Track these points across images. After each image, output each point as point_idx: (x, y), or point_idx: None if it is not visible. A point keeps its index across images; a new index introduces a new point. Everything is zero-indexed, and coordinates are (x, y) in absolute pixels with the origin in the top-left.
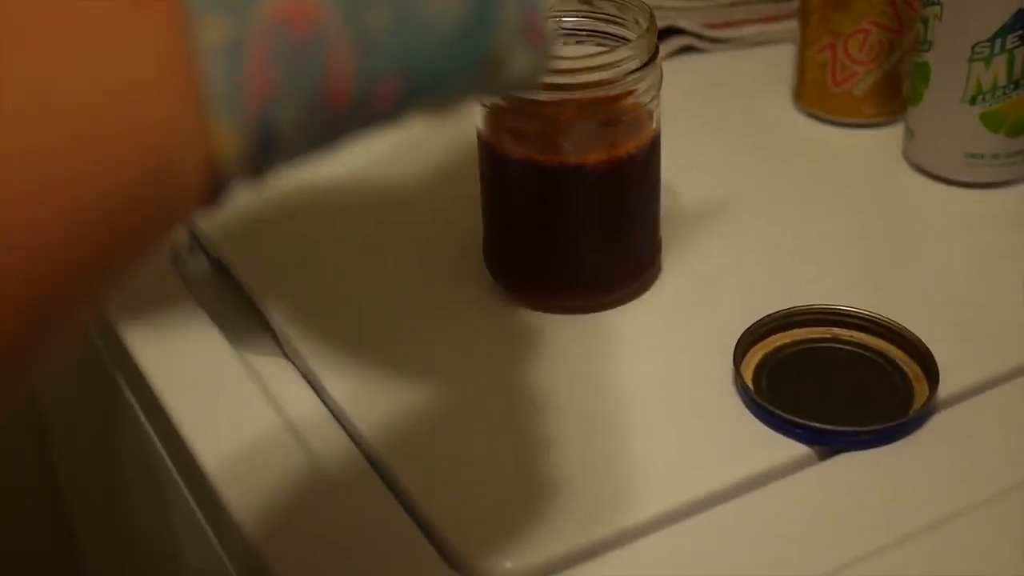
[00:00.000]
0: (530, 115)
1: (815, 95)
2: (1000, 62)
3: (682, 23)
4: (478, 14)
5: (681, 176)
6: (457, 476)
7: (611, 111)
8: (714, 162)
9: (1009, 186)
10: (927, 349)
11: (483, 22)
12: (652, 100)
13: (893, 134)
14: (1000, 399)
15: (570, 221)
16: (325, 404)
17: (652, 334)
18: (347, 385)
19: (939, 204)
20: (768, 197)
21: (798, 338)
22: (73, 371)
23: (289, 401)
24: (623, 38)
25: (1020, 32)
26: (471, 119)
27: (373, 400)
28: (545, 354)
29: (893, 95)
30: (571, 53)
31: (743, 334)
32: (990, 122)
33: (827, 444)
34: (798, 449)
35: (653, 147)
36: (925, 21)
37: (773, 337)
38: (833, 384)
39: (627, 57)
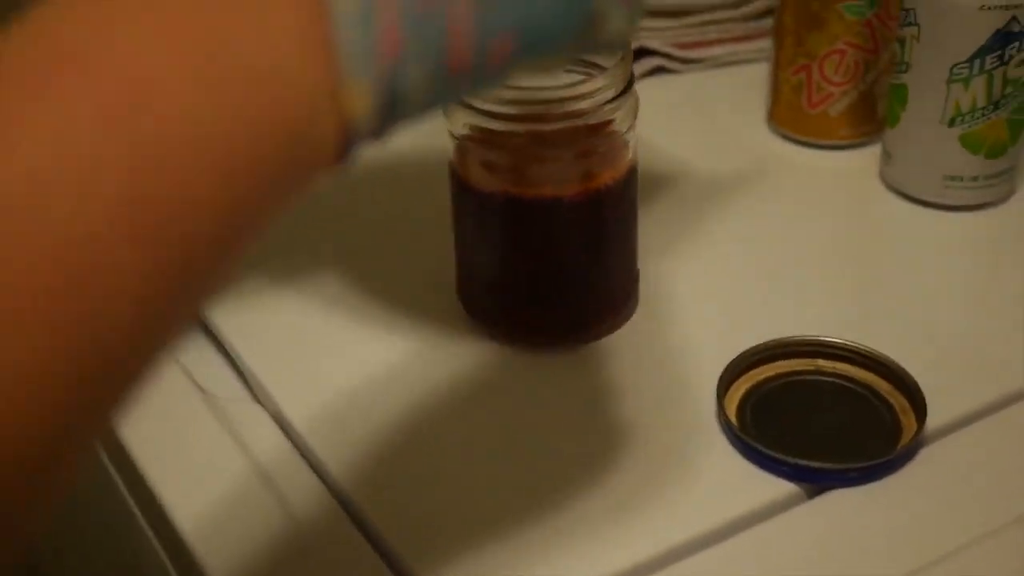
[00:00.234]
0: (503, 147)
1: (790, 117)
2: (979, 83)
3: (652, 43)
4: None
5: (656, 203)
6: (431, 518)
7: (587, 142)
8: (689, 188)
9: (988, 208)
10: (913, 380)
11: None
12: (628, 129)
13: (869, 156)
14: (989, 430)
15: (546, 255)
16: (295, 446)
17: (631, 370)
18: (317, 426)
19: (918, 228)
20: (745, 224)
21: (782, 371)
22: None
23: (258, 444)
24: (598, 65)
25: (999, 53)
26: (442, 148)
27: (344, 441)
28: (521, 392)
29: (869, 116)
30: (545, 83)
31: (725, 369)
32: (969, 144)
33: (816, 482)
34: (786, 487)
35: (630, 177)
36: (902, 42)
37: (756, 370)
38: (819, 418)
39: (603, 86)
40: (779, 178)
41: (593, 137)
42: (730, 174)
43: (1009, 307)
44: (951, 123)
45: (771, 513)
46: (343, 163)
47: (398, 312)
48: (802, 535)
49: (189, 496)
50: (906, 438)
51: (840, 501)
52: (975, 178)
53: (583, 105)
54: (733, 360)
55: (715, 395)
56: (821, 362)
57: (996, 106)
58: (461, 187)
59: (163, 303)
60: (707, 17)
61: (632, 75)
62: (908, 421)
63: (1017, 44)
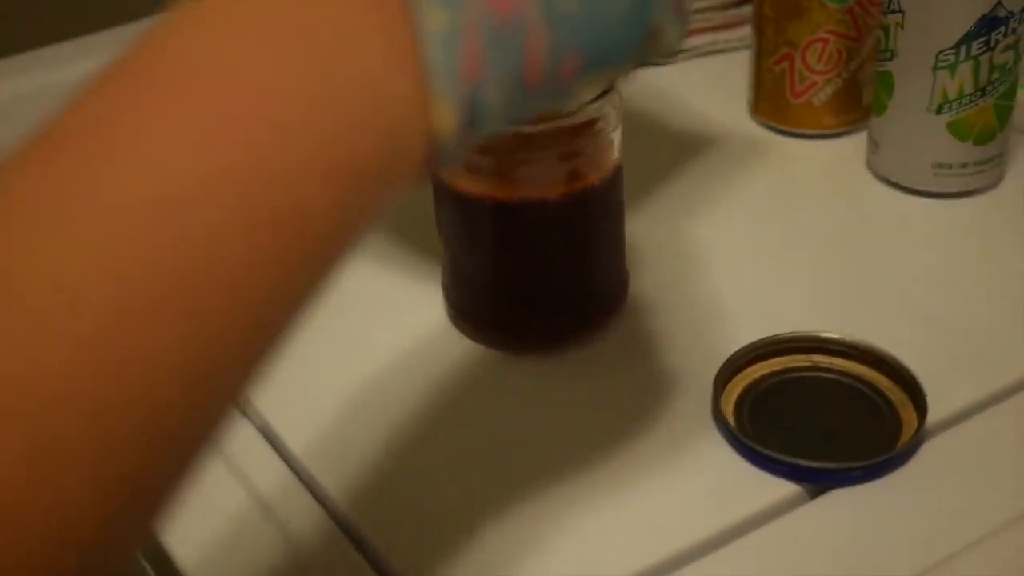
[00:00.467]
0: (487, 149)
1: (773, 107)
2: (965, 69)
3: None
4: None
5: (640, 200)
6: (428, 531)
7: (572, 142)
8: (673, 183)
9: (977, 195)
10: (911, 374)
11: (648, 0)
12: (614, 128)
13: (855, 143)
14: (991, 422)
15: (533, 258)
16: (288, 465)
17: (624, 372)
18: (308, 443)
19: (908, 216)
20: (733, 218)
21: (777, 368)
22: None
23: (252, 464)
24: None
25: (985, 38)
26: None
27: (338, 459)
28: (512, 398)
29: (854, 104)
30: None
31: (720, 368)
32: (957, 131)
33: (817, 482)
34: (787, 488)
35: (616, 177)
36: (886, 29)
37: (751, 368)
38: (818, 415)
39: None
40: (765, 170)
41: (578, 137)
42: (715, 168)
43: (1005, 294)
44: (938, 110)
45: (773, 515)
46: (427, 173)
47: (385, 320)
48: (805, 537)
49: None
50: (907, 433)
51: (843, 500)
52: (964, 165)
53: (567, 105)
54: (728, 359)
55: (711, 395)
56: (817, 358)
57: (983, 92)
58: (444, 192)
59: (267, 311)
60: None
61: None
62: (908, 416)
63: (1003, 29)
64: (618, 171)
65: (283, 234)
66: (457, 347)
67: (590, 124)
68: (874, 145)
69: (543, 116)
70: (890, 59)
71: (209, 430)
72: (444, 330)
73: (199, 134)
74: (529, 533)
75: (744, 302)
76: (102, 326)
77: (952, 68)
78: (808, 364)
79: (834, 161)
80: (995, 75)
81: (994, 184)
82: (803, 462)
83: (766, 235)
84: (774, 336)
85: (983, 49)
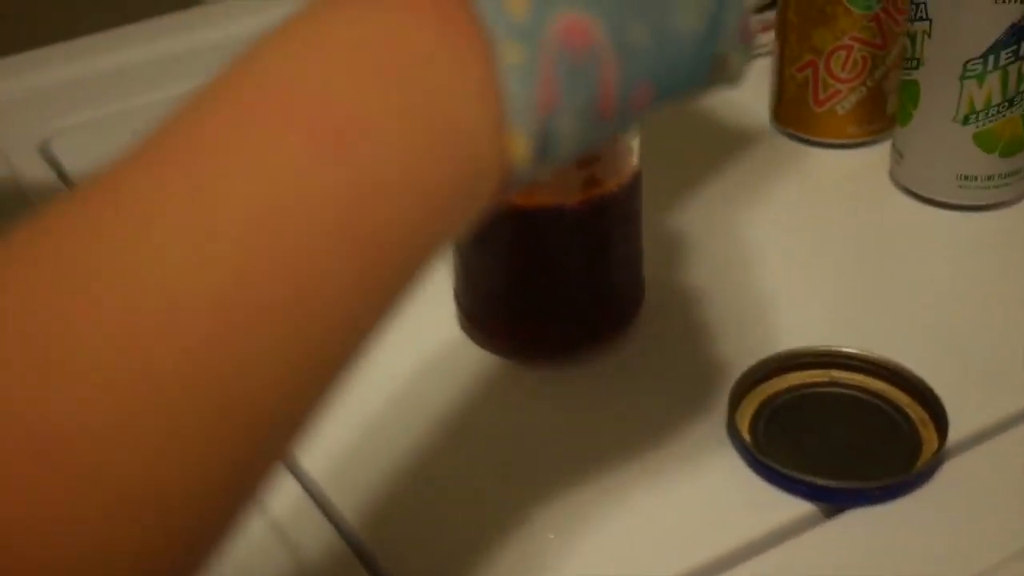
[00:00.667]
0: None
1: (796, 115)
2: (993, 79)
3: None
4: (712, 23)
5: (659, 208)
6: (440, 548)
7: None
8: (692, 192)
9: (1004, 208)
10: (932, 392)
11: (715, 30)
12: (632, 135)
13: (879, 154)
14: (1014, 442)
15: (549, 266)
16: (301, 484)
17: (638, 384)
18: (322, 463)
19: (932, 229)
20: (752, 228)
21: (795, 383)
22: None
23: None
24: None
25: (1014, 48)
26: None
27: (351, 478)
28: (524, 409)
29: (878, 113)
30: None
31: (736, 382)
32: (984, 142)
33: (834, 502)
34: (802, 507)
35: (634, 184)
36: (912, 37)
37: (768, 383)
38: (835, 432)
39: None
40: (786, 179)
41: None
42: (735, 176)
43: None
44: (965, 121)
45: (787, 534)
46: (501, 199)
47: (395, 328)
48: (820, 558)
49: None
50: (927, 452)
51: (860, 521)
52: (990, 177)
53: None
54: (744, 373)
55: (726, 410)
56: (836, 373)
57: (1011, 103)
58: None
59: (361, 328)
60: None
61: None
62: (928, 434)
63: None
64: (636, 178)
65: (375, 251)
66: (469, 356)
67: None
68: (898, 155)
69: None
70: (916, 68)
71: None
72: (455, 339)
73: (301, 151)
74: (541, 547)
75: (762, 314)
76: (205, 331)
77: (980, 78)
78: (826, 380)
79: (857, 171)
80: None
81: (1020, 197)
82: (819, 481)
83: (785, 246)
84: (791, 350)
85: (1012, 59)
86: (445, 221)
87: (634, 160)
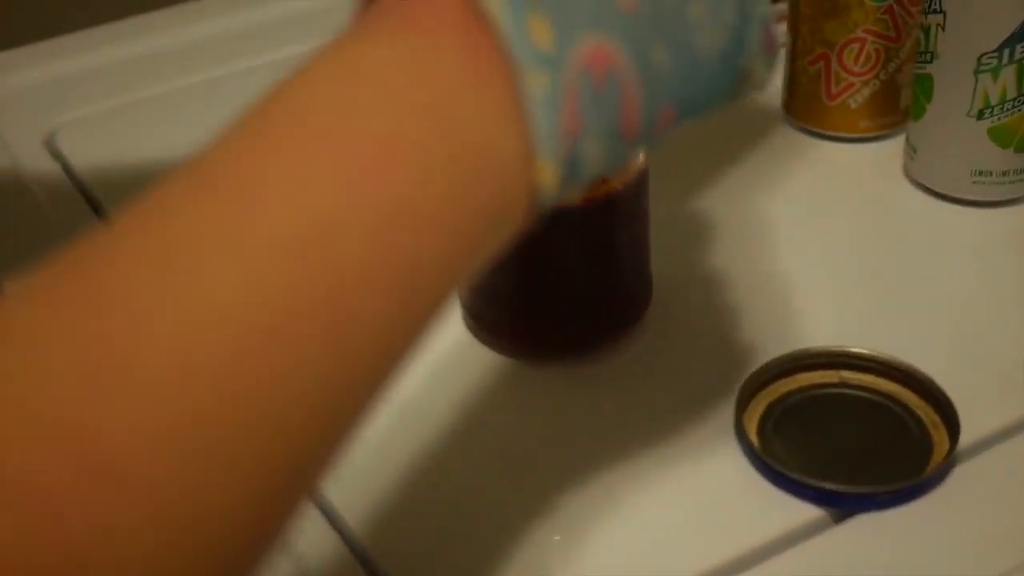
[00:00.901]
0: None
1: (807, 109)
2: (1009, 73)
3: None
4: (736, 38)
5: (667, 204)
6: (445, 553)
7: None
8: (702, 186)
9: (1019, 204)
10: (943, 393)
11: (739, 45)
12: None
13: (892, 148)
14: None
15: (554, 265)
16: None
17: (645, 384)
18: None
19: (945, 225)
20: (762, 224)
21: (804, 384)
22: None
23: None
24: None
25: None
26: None
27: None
28: (530, 410)
29: (891, 107)
30: None
31: (744, 383)
32: (998, 137)
33: (843, 507)
34: (810, 511)
35: (641, 181)
36: (926, 31)
37: (776, 384)
38: (845, 434)
39: None
40: (797, 174)
41: None
42: (745, 170)
43: None
44: (979, 115)
45: (795, 539)
46: (527, 223)
47: None
48: (828, 563)
49: None
50: (938, 455)
51: (869, 526)
52: (1005, 172)
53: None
54: (752, 373)
55: (734, 411)
56: (845, 374)
57: None
58: None
59: (392, 354)
60: None
61: None
62: (939, 436)
63: None
64: (643, 176)
65: (409, 276)
66: (474, 356)
67: None
68: (911, 150)
69: None
70: (930, 61)
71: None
72: (461, 339)
73: (337, 177)
74: (547, 549)
75: (771, 313)
76: (248, 349)
77: (995, 72)
78: (836, 380)
79: (869, 166)
80: None
81: None
82: (828, 485)
83: (796, 242)
84: (801, 350)
85: None
86: (475, 247)
87: (640, 158)
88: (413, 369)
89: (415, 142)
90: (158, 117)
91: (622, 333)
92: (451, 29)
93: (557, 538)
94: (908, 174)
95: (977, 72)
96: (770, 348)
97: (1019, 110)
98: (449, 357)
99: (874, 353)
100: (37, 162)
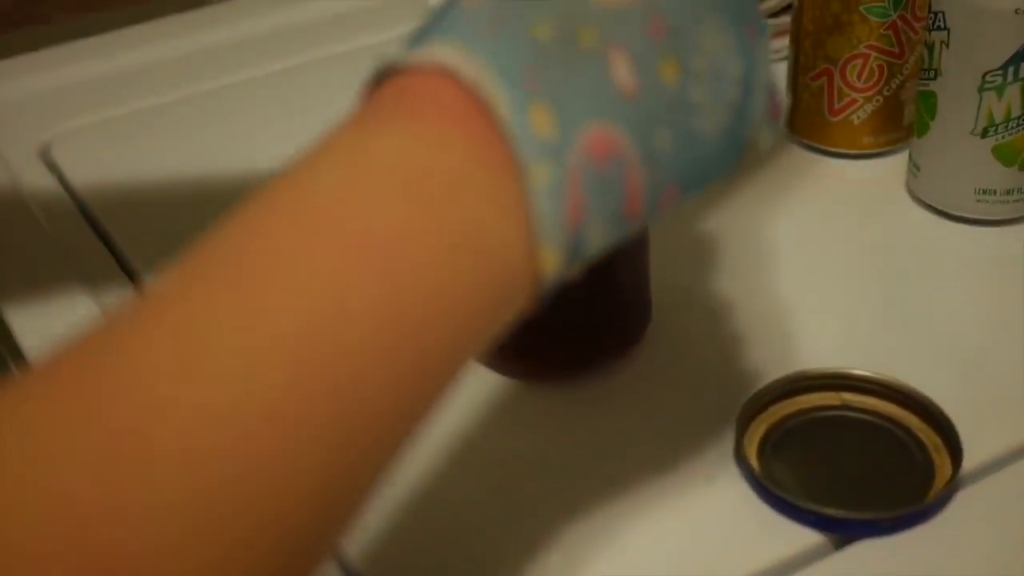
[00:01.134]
0: None
1: (810, 125)
2: (1014, 91)
3: None
4: (738, 115)
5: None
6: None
7: None
8: (702, 204)
9: (1022, 223)
10: (946, 417)
11: (742, 120)
12: None
13: (895, 164)
14: None
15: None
16: None
17: (643, 405)
18: None
19: (948, 244)
20: (764, 242)
21: (804, 406)
22: None
23: None
24: None
25: None
26: None
27: None
28: (526, 431)
29: (894, 123)
30: None
31: (744, 405)
32: (1003, 156)
33: (843, 532)
34: (811, 537)
35: None
36: (930, 47)
37: (777, 406)
38: (846, 458)
39: None
40: (798, 191)
41: None
42: (746, 187)
43: None
44: (984, 133)
45: (795, 565)
46: (531, 305)
47: None
48: None
49: None
50: (940, 480)
51: (870, 552)
52: (1009, 191)
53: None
54: (753, 395)
55: (733, 434)
56: (847, 396)
57: None
58: None
59: (398, 437)
60: None
61: None
62: (941, 460)
63: None
64: None
65: (416, 364)
66: (473, 377)
67: None
68: (915, 168)
69: None
70: (934, 78)
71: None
72: None
73: (342, 270)
74: (543, 570)
75: (771, 333)
76: (257, 448)
77: (999, 90)
78: (837, 403)
79: (872, 183)
80: None
81: None
82: (829, 511)
83: (797, 261)
84: (801, 372)
85: None
86: (479, 331)
87: None
88: None
89: (420, 232)
90: (154, 128)
91: (621, 354)
92: (454, 120)
93: (555, 560)
94: (911, 191)
95: (981, 90)
96: (771, 369)
97: (1023, 129)
98: None
99: (876, 375)
100: (32, 173)
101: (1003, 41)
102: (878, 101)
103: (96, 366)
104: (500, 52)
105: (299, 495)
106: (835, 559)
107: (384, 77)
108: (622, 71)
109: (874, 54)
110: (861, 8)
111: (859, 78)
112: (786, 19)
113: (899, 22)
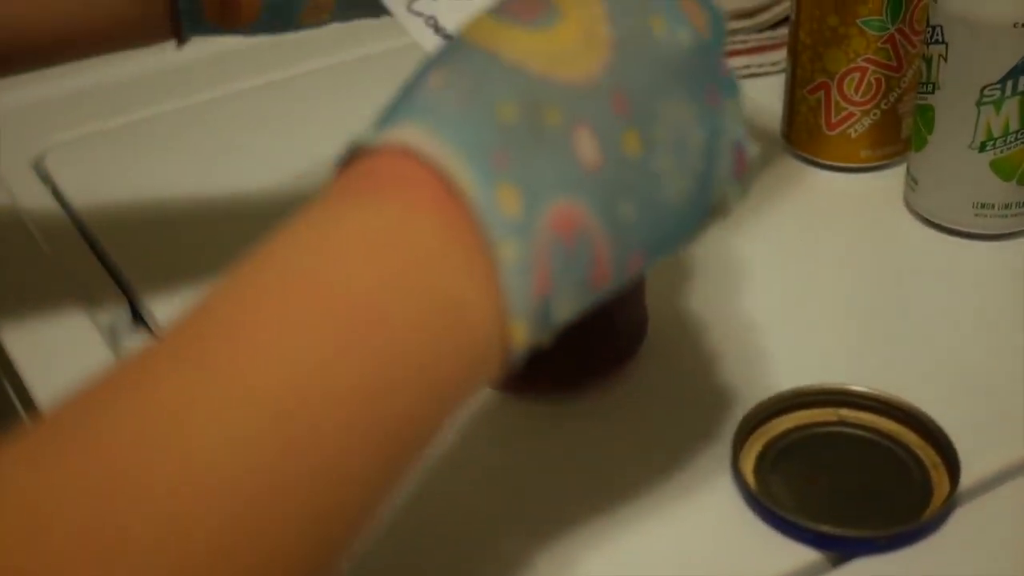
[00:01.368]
0: None
1: (807, 138)
2: (1012, 105)
3: None
4: (702, 180)
5: None
6: None
7: None
8: None
9: (1021, 237)
10: (944, 433)
11: (706, 185)
12: None
13: (892, 178)
14: None
15: None
16: None
17: (638, 421)
18: None
19: (946, 258)
20: (759, 255)
21: (801, 422)
22: None
23: None
24: None
25: None
26: None
27: None
28: (520, 446)
29: (892, 137)
30: None
31: (741, 421)
32: (1001, 170)
33: (839, 550)
34: (807, 554)
35: None
36: (928, 61)
37: (774, 422)
38: (843, 475)
39: None
40: (796, 204)
41: None
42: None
43: None
44: (982, 148)
45: None
46: (501, 374)
47: None
48: None
49: None
50: (938, 497)
51: (867, 570)
52: (1007, 206)
53: None
54: (749, 411)
55: (730, 450)
56: (845, 412)
57: None
58: None
59: (373, 503)
60: None
61: None
62: (939, 477)
63: None
64: None
65: (390, 432)
66: None
67: None
68: (912, 182)
69: None
70: (931, 92)
71: None
72: None
73: (319, 344)
74: None
75: (768, 348)
76: (236, 513)
77: (997, 104)
78: (834, 419)
79: (869, 197)
80: None
81: None
82: (825, 528)
83: (794, 275)
84: (798, 388)
85: None
86: (451, 399)
87: None
88: None
89: (392, 306)
90: (148, 140)
91: (617, 369)
92: (423, 198)
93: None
94: (909, 205)
95: (980, 104)
96: (768, 385)
97: (1022, 143)
98: None
99: (873, 391)
100: (26, 185)
101: (1001, 55)
102: (876, 115)
103: (74, 438)
104: (467, 134)
105: (272, 555)
106: None
107: (354, 156)
108: (586, 147)
109: (872, 67)
110: (859, 21)
111: (857, 91)
112: (783, 32)
113: (897, 35)
